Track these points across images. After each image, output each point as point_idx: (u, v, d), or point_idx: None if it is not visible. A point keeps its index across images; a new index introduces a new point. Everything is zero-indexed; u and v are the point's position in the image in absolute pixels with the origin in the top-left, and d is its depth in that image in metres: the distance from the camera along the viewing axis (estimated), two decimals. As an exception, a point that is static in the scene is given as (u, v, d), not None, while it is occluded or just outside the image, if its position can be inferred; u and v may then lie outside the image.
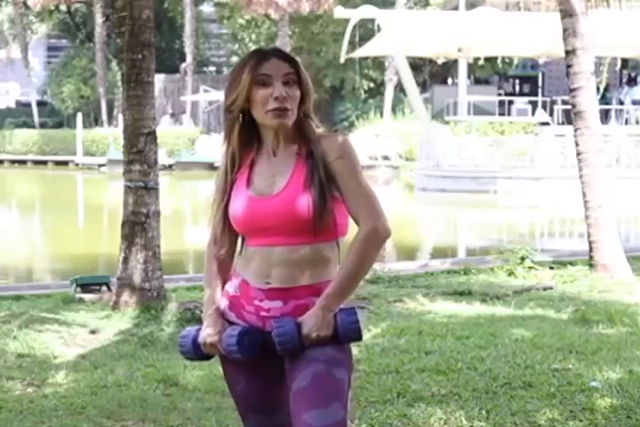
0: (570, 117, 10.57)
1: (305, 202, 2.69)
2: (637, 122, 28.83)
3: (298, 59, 2.83)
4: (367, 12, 27.90)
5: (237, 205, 2.77)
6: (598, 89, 24.66)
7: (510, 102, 31.76)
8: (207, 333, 2.77)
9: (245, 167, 2.82)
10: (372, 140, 33.74)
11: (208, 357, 2.82)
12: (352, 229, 2.81)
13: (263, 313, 2.75)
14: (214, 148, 34.16)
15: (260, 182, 2.78)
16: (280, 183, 2.74)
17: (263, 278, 2.74)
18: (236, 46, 46.97)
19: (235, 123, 2.80)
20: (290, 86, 2.74)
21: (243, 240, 2.84)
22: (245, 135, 2.81)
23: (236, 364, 2.80)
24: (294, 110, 2.75)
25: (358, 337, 2.72)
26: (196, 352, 2.80)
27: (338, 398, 2.67)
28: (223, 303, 2.84)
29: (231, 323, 2.79)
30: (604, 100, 29.55)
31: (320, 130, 2.80)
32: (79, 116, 39.18)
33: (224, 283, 2.86)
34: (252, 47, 45.59)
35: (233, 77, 2.78)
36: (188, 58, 42.06)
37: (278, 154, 2.79)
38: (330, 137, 2.77)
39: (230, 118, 2.80)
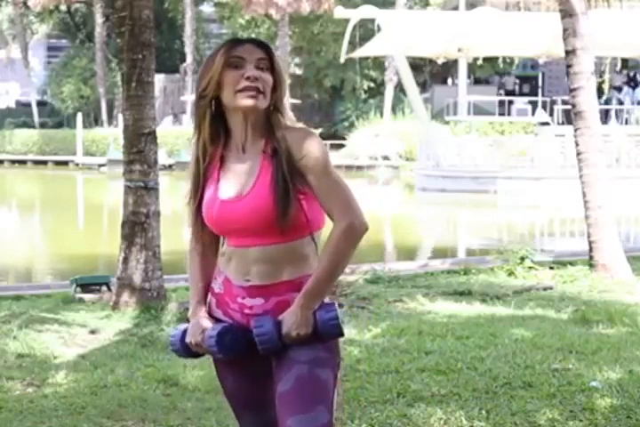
0: (570, 117, 10.57)
1: (270, 204, 2.64)
2: (637, 122, 28.84)
3: (271, 46, 2.78)
4: (367, 12, 27.92)
5: (208, 208, 2.74)
6: (602, 90, 24.74)
7: (510, 102, 31.78)
8: (192, 332, 2.77)
9: (216, 163, 2.77)
10: (372, 140, 33.76)
11: (199, 354, 2.83)
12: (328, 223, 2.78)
13: (247, 311, 2.74)
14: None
15: (230, 182, 2.73)
16: (248, 184, 2.70)
17: (242, 276, 2.73)
18: (236, 46, 46.82)
19: (206, 111, 2.74)
20: (263, 71, 2.70)
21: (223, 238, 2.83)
22: (215, 128, 2.75)
23: (225, 362, 2.80)
24: (266, 95, 2.69)
25: (339, 334, 2.70)
26: (186, 351, 2.81)
27: (322, 401, 2.65)
28: (211, 301, 2.83)
29: (219, 320, 2.78)
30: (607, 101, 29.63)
31: (287, 123, 2.73)
32: (79, 116, 39.21)
33: (208, 280, 2.85)
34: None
35: (207, 62, 2.74)
36: (188, 58, 42.07)
37: (247, 150, 2.73)
38: (295, 132, 2.69)
39: (201, 106, 2.74)
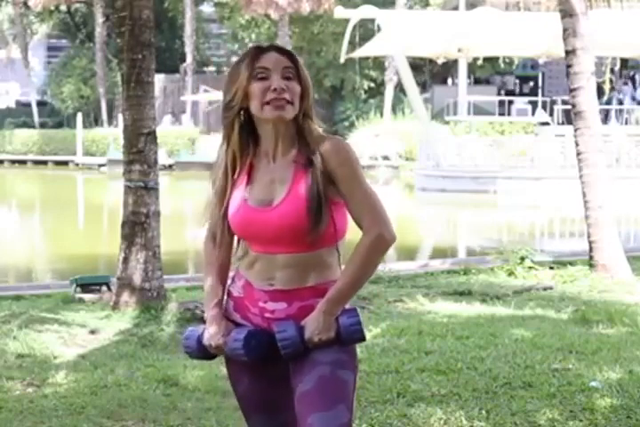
0: (570, 117, 10.57)
1: (303, 217, 2.65)
2: (637, 122, 28.84)
3: (297, 55, 2.77)
4: (367, 12, 27.92)
5: (236, 214, 2.73)
6: (602, 89, 24.70)
7: (510, 102, 31.76)
8: (211, 335, 2.76)
9: (244, 171, 2.77)
10: (372, 140, 33.76)
11: (214, 356, 2.83)
12: (352, 231, 2.80)
13: (268, 315, 2.74)
14: (214, 148, 34.22)
15: (259, 190, 2.73)
16: (279, 194, 2.70)
17: (267, 281, 2.73)
18: (236, 46, 46.92)
19: (234, 120, 2.73)
20: (289, 80, 2.68)
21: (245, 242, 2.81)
22: (244, 136, 2.75)
23: (240, 364, 2.80)
24: (295, 104, 2.69)
25: (361, 338, 2.74)
26: (202, 353, 2.81)
27: (343, 401, 2.68)
28: (228, 304, 2.83)
29: (237, 324, 2.79)
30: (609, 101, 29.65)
31: (319, 131, 2.74)
32: (79, 116, 39.20)
33: (223, 282, 2.84)
34: (252, 47, 45.61)
35: (231, 73, 2.73)
36: (188, 58, 42.07)
37: (277, 160, 2.73)
38: (329, 142, 2.69)
39: (230, 116, 2.73)
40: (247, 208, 2.72)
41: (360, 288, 2.78)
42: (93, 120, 43.31)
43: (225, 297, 2.86)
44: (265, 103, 2.67)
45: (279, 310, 2.73)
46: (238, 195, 2.75)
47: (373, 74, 40.32)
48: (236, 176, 2.77)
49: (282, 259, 2.71)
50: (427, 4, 41.03)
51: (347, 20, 29.20)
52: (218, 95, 39.25)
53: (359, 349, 6.20)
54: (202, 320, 7.00)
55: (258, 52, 2.71)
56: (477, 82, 38.77)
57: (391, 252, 14.78)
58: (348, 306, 2.75)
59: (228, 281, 2.86)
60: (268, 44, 2.76)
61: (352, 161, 2.69)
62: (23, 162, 40.37)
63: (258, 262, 2.75)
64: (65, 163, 39.00)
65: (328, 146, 2.68)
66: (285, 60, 2.69)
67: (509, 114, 31.16)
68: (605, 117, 27.62)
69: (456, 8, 33.93)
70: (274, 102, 2.65)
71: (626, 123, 28.74)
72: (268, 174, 2.73)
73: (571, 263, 10.11)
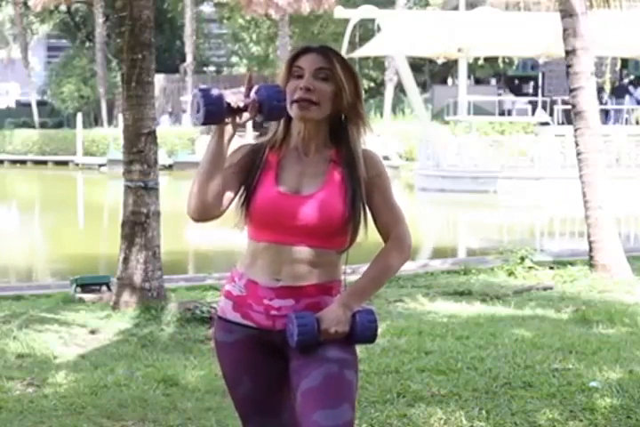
0: (570, 117, 10.57)
1: (341, 209, 2.72)
2: (637, 122, 28.84)
3: (342, 56, 2.82)
4: (367, 12, 27.95)
5: (264, 196, 2.74)
6: (603, 89, 24.69)
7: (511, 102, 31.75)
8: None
9: (273, 160, 2.80)
10: (372, 140, 33.76)
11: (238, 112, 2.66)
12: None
13: (273, 312, 2.75)
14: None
15: (289, 178, 2.77)
16: (311, 184, 2.75)
17: (273, 276, 2.74)
18: (236, 46, 46.98)
19: None
20: (320, 81, 2.75)
21: (247, 236, 2.82)
22: (284, 128, 2.82)
23: (239, 366, 2.81)
24: (322, 105, 2.75)
25: (373, 336, 2.78)
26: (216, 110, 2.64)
27: (348, 400, 2.70)
28: (226, 305, 2.82)
29: (233, 324, 2.80)
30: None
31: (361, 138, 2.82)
32: (79, 116, 39.22)
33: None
34: (252, 47, 45.66)
35: (281, 69, 2.85)
36: (188, 58, 42.09)
37: (311, 155, 2.80)
38: (366, 152, 2.81)
39: None
40: (277, 193, 2.74)
41: (379, 288, 2.89)
42: (93, 120, 43.37)
43: (221, 298, 2.87)
44: (293, 101, 2.74)
45: (286, 307, 2.74)
46: (267, 180, 2.77)
47: (373, 74, 40.37)
48: (266, 160, 2.80)
49: (291, 252, 2.72)
50: (427, 4, 41.06)
51: (347, 20, 29.24)
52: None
53: (359, 349, 6.20)
54: (202, 320, 7.01)
55: (300, 51, 2.81)
56: (477, 82, 38.78)
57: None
58: (362, 307, 2.79)
59: (226, 281, 2.87)
60: (314, 44, 2.83)
61: (386, 173, 2.86)
62: (23, 162, 40.40)
63: (262, 257, 2.75)
64: (65, 163, 39.03)
65: (367, 156, 2.81)
66: (321, 62, 2.76)
67: (509, 114, 31.16)
68: (606, 117, 27.64)
69: (456, 8, 33.94)
70: (300, 102, 2.74)
71: (626, 123, 28.74)
72: (298, 166, 2.78)
73: (571, 263, 10.11)
